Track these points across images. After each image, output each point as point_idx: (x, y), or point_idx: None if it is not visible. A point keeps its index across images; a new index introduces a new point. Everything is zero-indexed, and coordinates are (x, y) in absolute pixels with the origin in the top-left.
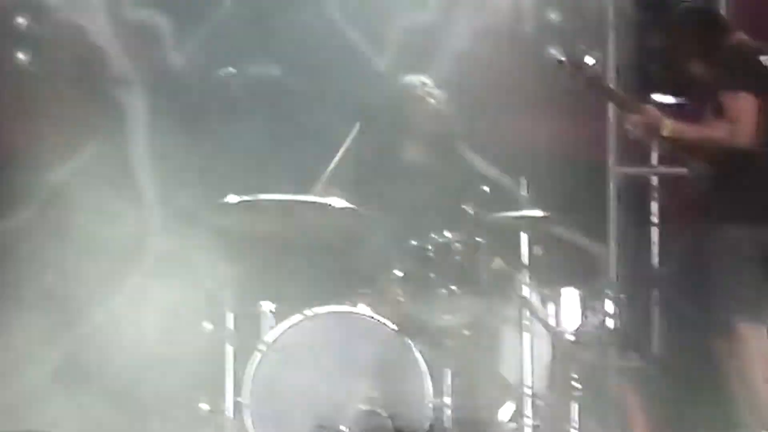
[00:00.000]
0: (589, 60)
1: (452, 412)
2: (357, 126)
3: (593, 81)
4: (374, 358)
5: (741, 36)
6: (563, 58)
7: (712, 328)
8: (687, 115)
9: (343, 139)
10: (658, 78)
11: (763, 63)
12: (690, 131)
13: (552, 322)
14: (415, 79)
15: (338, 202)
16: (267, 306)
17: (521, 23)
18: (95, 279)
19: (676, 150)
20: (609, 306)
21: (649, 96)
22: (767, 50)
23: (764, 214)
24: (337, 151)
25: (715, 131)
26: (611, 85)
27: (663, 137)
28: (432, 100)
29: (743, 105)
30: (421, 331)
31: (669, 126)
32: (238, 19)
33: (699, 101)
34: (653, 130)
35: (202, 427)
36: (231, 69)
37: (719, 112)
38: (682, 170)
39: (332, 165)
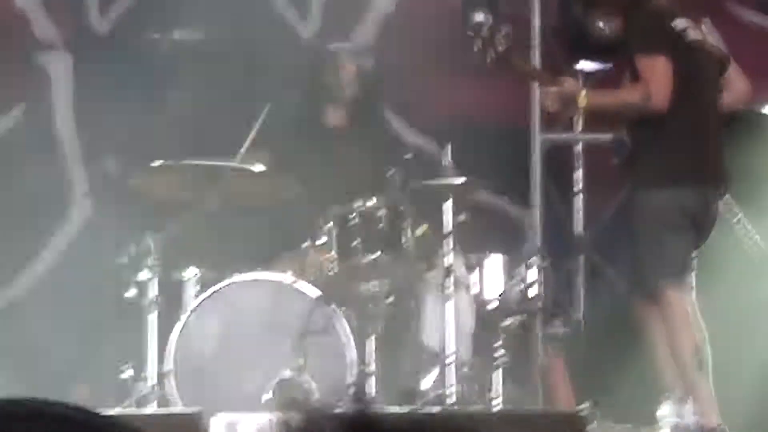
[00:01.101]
0: (500, 33)
1: (376, 379)
2: (266, 108)
3: (505, 55)
4: (298, 325)
5: (657, 1)
6: (473, 32)
7: (636, 294)
8: (608, 81)
9: (270, 105)
10: (581, 42)
11: (677, 26)
12: (606, 99)
13: (476, 289)
14: (339, 44)
15: (261, 167)
16: (191, 272)
17: None
18: (18, 244)
19: (594, 119)
20: (533, 273)
21: (572, 62)
22: (680, 14)
23: (684, 178)
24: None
25: (629, 96)
26: (525, 59)
27: (580, 108)
28: (355, 67)
29: (657, 68)
30: (345, 299)
31: (585, 96)
32: None
33: (620, 64)
34: (570, 101)
35: (125, 395)
36: (156, 34)
37: (636, 77)
38: (606, 137)
39: (251, 135)
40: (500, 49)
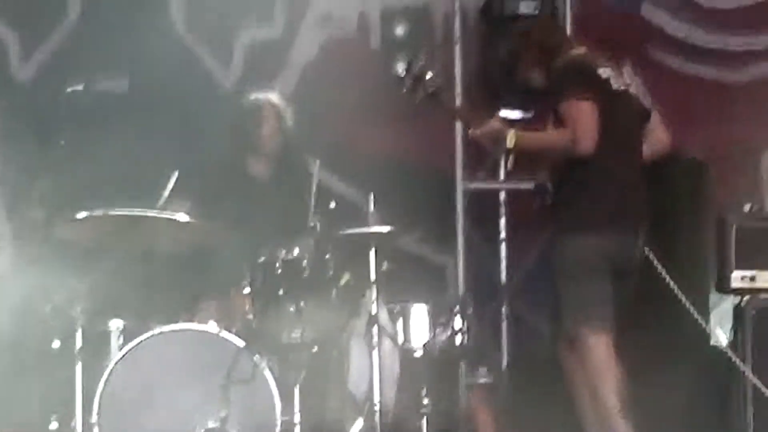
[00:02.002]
0: (428, 74)
1: (301, 428)
2: (175, 174)
3: (434, 96)
4: (222, 375)
5: (581, 49)
6: (403, 73)
7: (559, 339)
8: (531, 128)
9: (190, 154)
10: (503, 90)
11: (601, 75)
12: (533, 140)
13: (400, 337)
14: (261, 94)
15: (185, 216)
16: (116, 323)
17: (367, 37)
18: None
19: (520, 161)
20: (458, 320)
21: (495, 111)
22: (604, 63)
23: (605, 225)
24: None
25: (556, 139)
26: (453, 100)
27: (508, 149)
28: (277, 118)
29: (582, 112)
30: (270, 348)
31: (513, 137)
32: (85, 33)
33: (542, 113)
34: (498, 142)
35: None
36: (79, 83)
37: (560, 122)
38: (529, 184)
39: (170, 184)
40: (430, 90)
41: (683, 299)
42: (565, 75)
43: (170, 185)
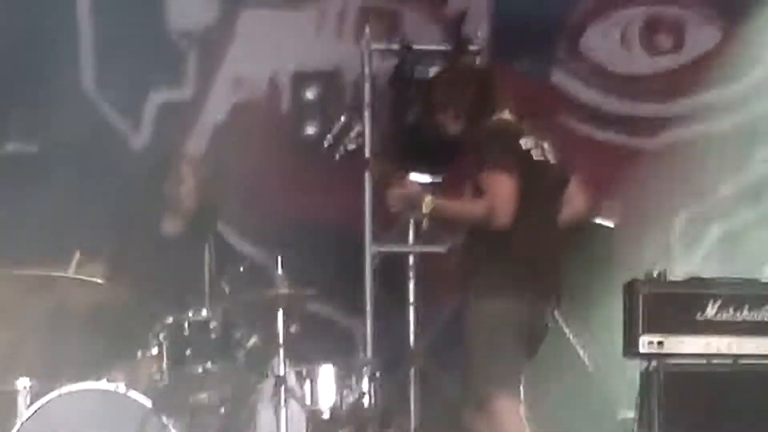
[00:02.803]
0: (352, 132)
1: None
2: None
3: (355, 153)
4: None
5: (505, 113)
6: (330, 139)
7: (467, 403)
8: (446, 192)
9: (104, 215)
10: (414, 154)
11: (523, 146)
12: (450, 208)
13: (308, 399)
14: (179, 151)
15: (95, 277)
16: (23, 382)
17: (278, 100)
18: None
19: (434, 225)
20: (366, 383)
21: (406, 174)
22: (527, 132)
23: (518, 290)
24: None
25: (474, 208)
26: (371, 158)
27: (423, 214)
28: (195, 173)
29: (503, 185)
30: (178, 408)
31: (429, 203)
32: None
33: (458, 178)
34: (414, 205)
35: None
36: None
37: (478, 190)
38: (439, 248)
39: (76, 254)
40: (350, 147)
41: (587, 364)
42: (489, 142)
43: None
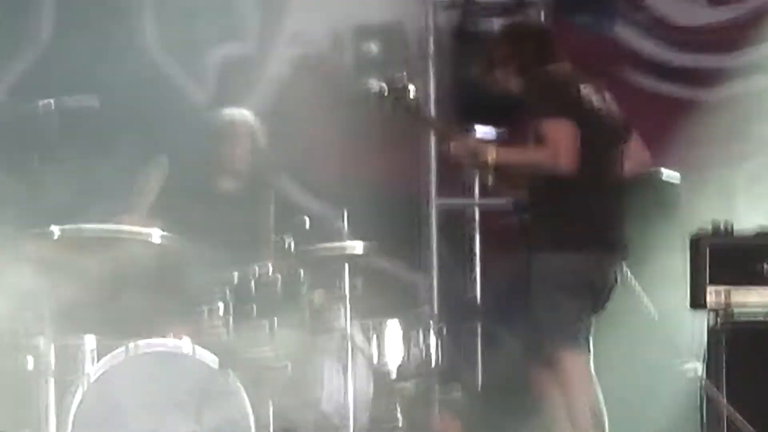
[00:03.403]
0: (410, 89)
1: None
2: (162, 165)
3: (414, 111)
4: (196, 391)
5: (564, 64)
6: (384, 88)
7: (533, 358)
8: (509, 145)
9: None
10: (477, 108)
11: (582, 93)
12: (514, 156)
13: (374, 354)
14: (236, 112)
15: (158, 233)
16: (89, 340)
17: (340, 53)
18: None
19: (498, 178)
20: (431, 338)
21: (468, 128)
22: (585, 80)
23: (582, 243)
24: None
25: (538, 156)
26: (431, 115)
27: (486, 165)
28: (249, 136)
29: (564, 131)
30: (243, 365)
31: (492, 153)
32: (55, 52)
33: (520, 129)
34: (477, 158)
35: None
36: (50, 101)
37: (540, 139)
38: (503, 202)
39: (147, 198)
40: (410, 105)
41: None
42: (546, 91)
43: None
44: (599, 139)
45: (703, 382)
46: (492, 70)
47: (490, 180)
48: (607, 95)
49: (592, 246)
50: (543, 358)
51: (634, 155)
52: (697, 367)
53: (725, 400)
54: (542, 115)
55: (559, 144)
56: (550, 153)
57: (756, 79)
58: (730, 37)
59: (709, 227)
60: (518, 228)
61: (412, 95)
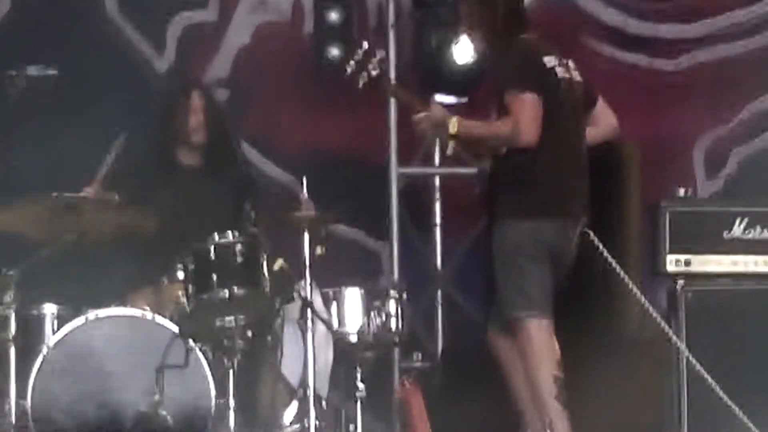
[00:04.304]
0: (375, 56)
1: (235, 413)
2: (122, 136)
3: (378, 79)
4: (155, 359)
5: (531, 35)
6: (348, 54)
7: (494, 326)
8: (471, 115)
9: (126, 141)
10: (437, 77)
11: (546, 63)
12: (476, 128)
13: (334, 322)
14: (190, 82)
15: (116, 202)
16: (50, 308)
17: (301, 23)
18: None
19: (461, 148)
20: (392, 306)
21: (429, 97)
22: (549, 51)
23: (544, 211)
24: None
25: (500, 129)
26: (395, 83)
27: (450, 134)
28: (206, 107)
29: (527, 104)
30: (204, 334)
31: (455, 123)
32: (17, 20)
33: (480, 99)
34: (440, 126)
35: None
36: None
37: (503, 111)
38: (464, 170)
39: (104, 168)
40: (374, 73)
41: (626, 280)
42: (511, 63)
43: (111, 157)
44: (562, 109)
45: (668, 336)
46: (458, 33)
47: (451, 149)
48: (571, 64)
49: (554, 213)
50: (505, 326)
51: (602, 121)
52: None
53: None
54: (507, 87)
55: (522, 117)
56: (512, 125)
57: (716, 49)
58: (690, 7)
59: (670, 194)
60: (481, 196)
61: (376, 62)
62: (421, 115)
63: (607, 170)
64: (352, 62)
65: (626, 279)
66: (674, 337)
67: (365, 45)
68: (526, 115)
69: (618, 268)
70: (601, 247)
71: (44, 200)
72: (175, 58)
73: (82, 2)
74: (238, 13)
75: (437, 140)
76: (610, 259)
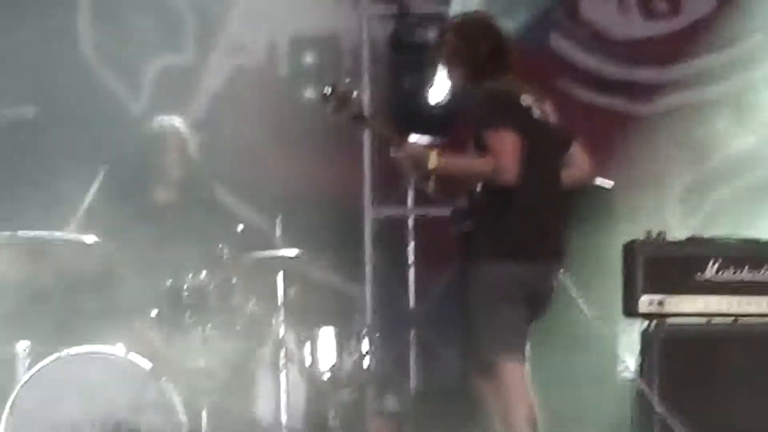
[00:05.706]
0: (354, 93)
1: None
2: (102, 171)
3: (358, 116)
4: (129, 398)
5: (512, 76)
6: (329, 91)
7: (470, 367)
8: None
9: (102, 182)
10: (413, 117)
11: (522, 104)
12: (455, 165)
13: (308, 362)
14: (167, 122)
15: (92, 238)
16: (22, 346)
17: (276, 65)
18: None
19: (439, 185)
20: (365, 346)
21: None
22: (526, 91)
23: (521, 252)
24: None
25: (480, 166)
26: (375, 118)
27: (428, 170)
28: (182, 145)
29: (506, 142)
30: (177, 372)
31: (434, 158)
32: None
33: (458, 141)
34: (418, 163)
35: None
36: None
37: (481, 149)
38: (438, 211)
39: (83, 206)
40: (354, 110)
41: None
42: (489, 102)
43: (94, 186)
44: (540, 150)
45: (636, 383)
46: (435, 73)
47: (431, 187)
48: (548, 106)
49: (532, 255)
50: (480, 367)
51: (576, 164)
52: (630, 368)
53: (657, 402)
54: (487, 125)
55: (503, 155)
56: (491, 163)
57: (691, 93)
58: (665, 51)
59: (643, 237)
60: (457, 236)
61: (355, 98)
62: (401, 150)
63: (584, 210)
64: (333, 97)
65: (594, 321)
66: (642, 385)
67: (346, 82)
68: (506, 153)
69: (585, 309)
70: (572, 289)
71: (19, 238)
72: (151, 99)
73: (57, 41)
74: (213, 56)
75: (416, 178)
76: (580, 301)
